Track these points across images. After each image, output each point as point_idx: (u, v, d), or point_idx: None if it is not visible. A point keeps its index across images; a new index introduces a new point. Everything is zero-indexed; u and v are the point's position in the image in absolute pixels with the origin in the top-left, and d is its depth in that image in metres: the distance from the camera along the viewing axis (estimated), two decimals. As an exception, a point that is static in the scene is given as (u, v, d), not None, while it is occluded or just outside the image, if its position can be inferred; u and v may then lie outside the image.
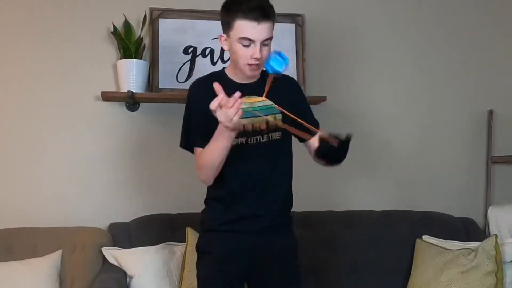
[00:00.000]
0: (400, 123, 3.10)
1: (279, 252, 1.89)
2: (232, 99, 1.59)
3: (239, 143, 1.81)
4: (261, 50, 1.74)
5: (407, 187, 3.09)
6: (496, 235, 2.64)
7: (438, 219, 2.93)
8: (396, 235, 2.81)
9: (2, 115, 2.74)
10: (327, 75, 2.99)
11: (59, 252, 2.53)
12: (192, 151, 1.88)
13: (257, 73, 1.83)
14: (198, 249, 1.94)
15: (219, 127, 1.66)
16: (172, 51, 2.81)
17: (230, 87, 1.79)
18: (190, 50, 2.84)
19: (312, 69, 2.94)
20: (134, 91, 2.66)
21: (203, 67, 2.79)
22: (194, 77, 2.59)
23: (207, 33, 2.81)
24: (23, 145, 2.75)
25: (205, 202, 1.96)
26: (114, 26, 2.71)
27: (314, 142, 1.80)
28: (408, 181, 3.09)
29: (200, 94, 1.82)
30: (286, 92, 1.90)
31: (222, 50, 2.82)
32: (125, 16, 2.74)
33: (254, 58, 1.75)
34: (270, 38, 1.77)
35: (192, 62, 2.83)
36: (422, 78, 3.12)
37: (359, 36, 3.06)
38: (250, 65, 1.77)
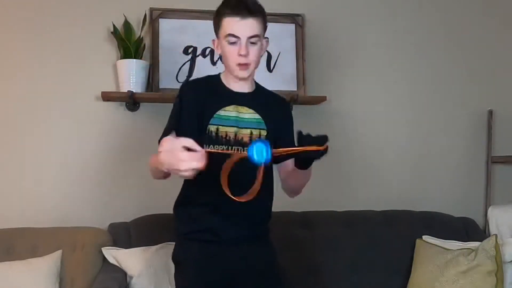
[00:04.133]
0: (400, 122, 3.09)
1: (257, 263, 1.84)
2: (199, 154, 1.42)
3: (219, 151, 1.76)
4: (247, 48, 1.72)
5: (407, 187, 3.09)
6: (496, 235, 2.64)
7: (438, 219, 2.93)
8: (396, 235, 2.80)
9: (2, 115, 2.74)
10: (327, 75, 2.99)
11: (59, 252, 2.52)
12: None
13: (246, 74, 1.78)
14: (175, 259, 1.87)
15: (167, 159, 1.46)
16: (172, 51, 2.81)
17: (224, 94, 1.81)
18: (190, 50, 2.84)
19: (312, 69, 2.94)
20: (134, 91, 2.67)
21: (203, 67, 2.79)
22: (194, 77, 2.59)
23: (207, 33, 2.74)
24: (23, 144, 2.75)
25: (176, 205, 1.89)
26: (114, 26, 2.71)
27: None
28: (408, 181, 3.09)
29: (191, 94, 1.82)
30: (277, 112, 1.88)
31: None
32: (125, 16, 2.74)
33: (241, 56, 1.73)
34: (258, 36, 1.74)
35: (192, 62, 2.83)
36: (423, 78, 3.12)
37: (359, 36, 3.06)
38: (239, 65, 1.75)
